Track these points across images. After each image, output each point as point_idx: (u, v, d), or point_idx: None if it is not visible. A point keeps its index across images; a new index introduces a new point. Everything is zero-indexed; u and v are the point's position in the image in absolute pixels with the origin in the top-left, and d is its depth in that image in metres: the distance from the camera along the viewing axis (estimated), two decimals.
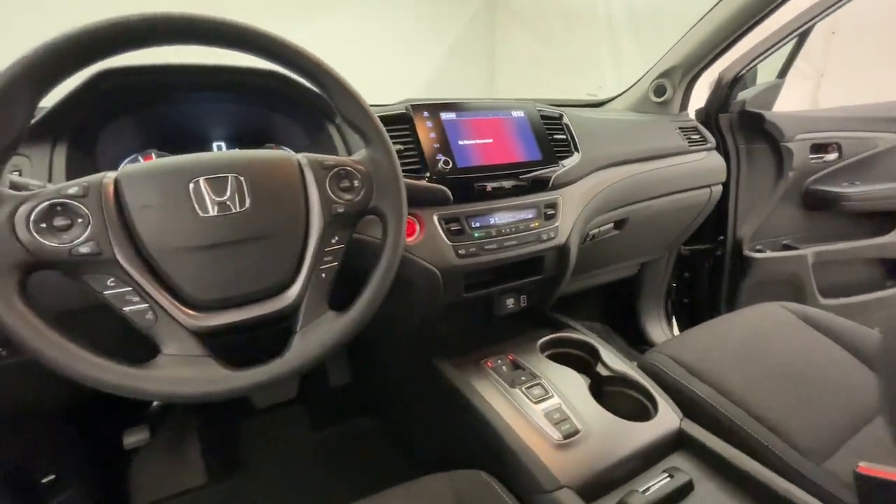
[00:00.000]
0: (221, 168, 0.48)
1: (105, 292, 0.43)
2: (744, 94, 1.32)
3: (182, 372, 0.43)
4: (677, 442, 0.68)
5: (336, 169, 0.53)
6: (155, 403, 0.96)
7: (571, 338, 0.87)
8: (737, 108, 1.31)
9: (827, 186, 1.39)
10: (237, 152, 0.51)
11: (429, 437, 0.94)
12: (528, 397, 0.70)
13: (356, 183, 0.54)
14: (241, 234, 0.48)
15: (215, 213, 0.46)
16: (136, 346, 0.45)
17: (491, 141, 0.82)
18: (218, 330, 0.46)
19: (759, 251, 1.41)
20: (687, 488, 0.60)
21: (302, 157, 0.53)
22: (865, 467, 0.56)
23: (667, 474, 0.61)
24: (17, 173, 0.56)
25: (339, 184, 0.53)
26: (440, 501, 0.56)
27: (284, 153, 0.53)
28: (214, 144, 0.79)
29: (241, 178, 0.48)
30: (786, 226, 1.45)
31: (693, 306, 1.56)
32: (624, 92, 1.37)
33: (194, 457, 1.00)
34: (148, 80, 0.65)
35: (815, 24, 1.19)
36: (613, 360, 0.81)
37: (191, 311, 0.45)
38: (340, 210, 0.52)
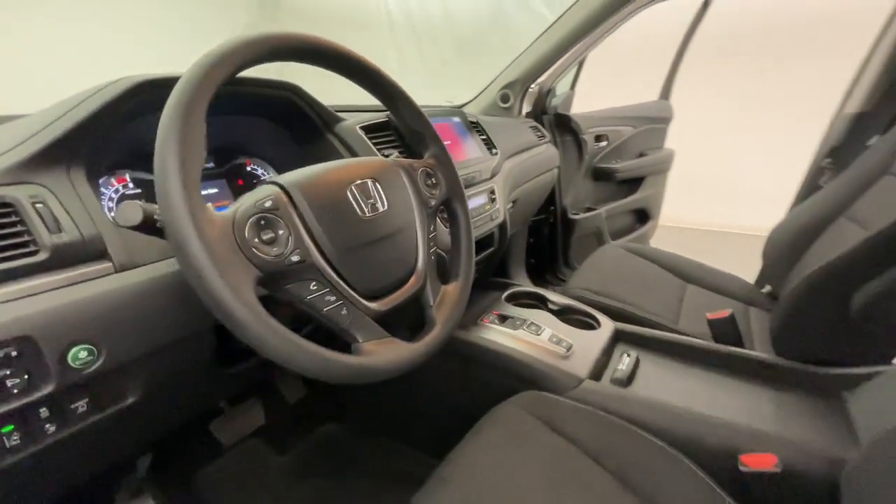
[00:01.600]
0: (363, 174, 0.53)
1: (308, 297, 0.45)
2: (555, 101, 1.80)
3: (389, 352, 0.49)
4: (616, 337, 1.01)
5: (421, 169, 0.63)
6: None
7: (522, 290, 1.12)
8: (552, 111, 1.79)
9: (605, 164, 2.03)
10: (360, 160, 0.56)
11: (430, 401, 1.05)
12: (530, 333, 0.92)
13: (434, 180, 0.65)
14: (387, 230, 0.55)
15: (371, 214, 0.53)
16: None
17: (450, 143, 0.99)
18: (388, 314, 0.53)
19: (575, 214, 1.96)
20: (639, 361, 0.93)
21: (393, 160, 0.61)
22: (711, 315, 0.98)
23: (626, 355, 0.93)
24: (40, 205, 0.47)
25: (426, 181, 0.63)
26: (522, 418, 0.73)
27: (383, 158, 0.60)
28: None
29: (377, 182, 0.55)
30: (587, 194, 2.04)
31: (538, 263, 2.03)
32: (473, 99, 1.70)
33: None
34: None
35: (588, 53, 1.73)
36: (556, 297, 1.10)
37: (368, 302, 0.51)
38: (433, 203, 0.63)
